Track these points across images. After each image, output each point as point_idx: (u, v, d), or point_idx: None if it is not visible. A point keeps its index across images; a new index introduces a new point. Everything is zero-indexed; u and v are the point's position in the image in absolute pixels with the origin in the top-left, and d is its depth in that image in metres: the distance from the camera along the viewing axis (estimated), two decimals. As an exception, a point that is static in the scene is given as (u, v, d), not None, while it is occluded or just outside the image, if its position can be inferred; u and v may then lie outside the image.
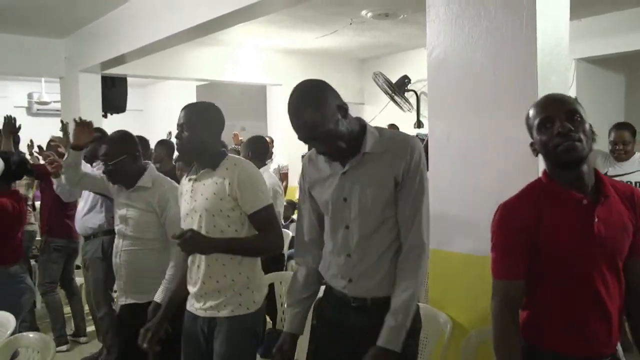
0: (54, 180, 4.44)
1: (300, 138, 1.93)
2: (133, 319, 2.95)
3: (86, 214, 4.40)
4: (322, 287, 2.23)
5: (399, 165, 1.94)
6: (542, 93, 2.43)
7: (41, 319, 5.24)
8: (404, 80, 8.09)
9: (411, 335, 1.97)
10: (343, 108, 1.94)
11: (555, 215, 1.78)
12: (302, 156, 7.64)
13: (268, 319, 4.08)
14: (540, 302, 1.86)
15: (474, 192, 2.72)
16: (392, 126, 6.84)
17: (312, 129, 1.89)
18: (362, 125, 2.01)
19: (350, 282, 2.03)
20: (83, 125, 3.40)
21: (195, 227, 2.40)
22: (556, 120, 1.73)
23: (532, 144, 1.86)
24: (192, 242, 2.34)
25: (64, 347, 4.90)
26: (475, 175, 2.72)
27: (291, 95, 1.95)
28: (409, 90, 8.16)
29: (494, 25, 2.60)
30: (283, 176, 8.27)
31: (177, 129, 2.45)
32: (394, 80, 7.88)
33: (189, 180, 2.51)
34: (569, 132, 1.71)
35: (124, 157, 3.00)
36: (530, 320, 1.88)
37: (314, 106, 1.88)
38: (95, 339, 5.05)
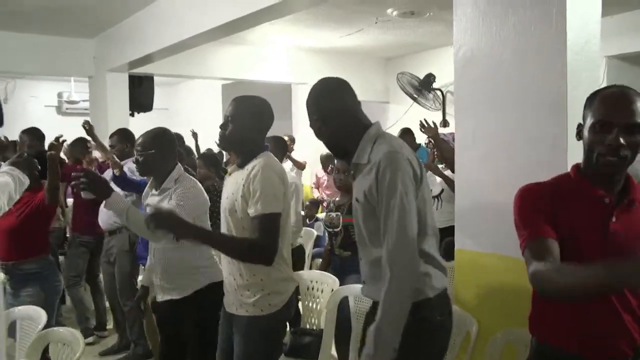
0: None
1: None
2: (171, 315, 3.00)
3: None
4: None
5: (369, 180, 1.96)
6: (571, 91, 2.40)
7: (64, 314, 5.35)
8: (429, 79, 8.06)
9: (420, 353, 1.95)
10: (346, 109, 2.08)
11: (575, 208, 1.73)
12: (321, 156, 7.64)
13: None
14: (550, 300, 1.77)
15: (500, 191, 2.69)
16: (407, 131, 6.71)
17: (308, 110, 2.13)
18: (364, 126, 2.07)
19: (364, 283, 2.13)
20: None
21: (224, 224, 2.44)
22: (613, 130, 1.63)
23: (579, 126, 1.76)
24: (161, 218, 2.27)
25: (90, 339, 4.99)
26: (501, 174, 2.69)
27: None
28: (434, 89, 8.12)
29: (522, 23, 2.57)
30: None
31: (223, 120, 2.47)
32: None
33: (229, 174, 2.54)
34: (618, 148, 1.63)
35: (153, 151, 3.01)
36: (539, 318, 1.84)
37: (313, 93, 2.13)
38: (114, 333, 5.11)
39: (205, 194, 3.03)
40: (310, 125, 2.14)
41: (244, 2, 4.64)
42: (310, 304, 3.68)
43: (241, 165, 2.44)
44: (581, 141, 1.77)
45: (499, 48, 2.67)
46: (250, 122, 2.43)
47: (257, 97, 2.54)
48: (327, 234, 4.05)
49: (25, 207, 3.60)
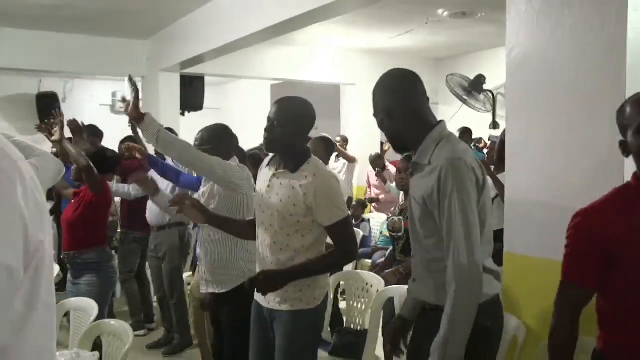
0: (110, 184, 4.68)
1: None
2: (216, 306, 3.09)
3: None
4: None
5: (428, 183, 1.93)
6: (630, 93, 2.32)
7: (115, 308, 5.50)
8: (480, 80, 7.93)
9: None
10: (409, 102, 2.06)
11: None
12: (370, 156, 7.61)
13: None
14: (619, 315, 1.74)
15: (552, 195, 2.64)
16: (466, 130, 6.67)
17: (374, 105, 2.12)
18: (429, 125, 2.04)
19: (414, 281, 2.12)
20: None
21: (267, 222, 2.47)
22: None
23: (622, 143, 1.72)
24: (266, 283, 2.35)
25: (141, 332, 5.14)
26: (554, 177, 2.63)
27: None
28: (485, 91, 7.99)
29: (579, 23, 2.50)
30: None
31: (268, 122, 2.46)
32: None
33: (269, 171, 2.53)
34: None
35: (209, 147, 3.07)
36: (605, 330, 1.79)
37: (379, 89, 2.12)
38: (161, 327, 5.24)
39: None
40: (374, 115, 2.11)
41: (294, 4, 4.68)
42: (356, 304, 3.68)
43: (293, 170, 2.43)
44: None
45: (554, 49, 2.61)
46: (297, 125, 2.44)
47: (300, 99, 2.55)
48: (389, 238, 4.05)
49: (82, 200, 3.79)
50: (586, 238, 1.74)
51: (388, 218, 6.26)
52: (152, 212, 4.65)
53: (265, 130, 2.46)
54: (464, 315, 1.84)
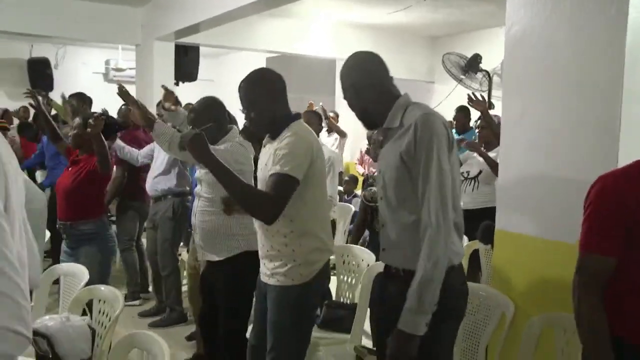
0: (120, 146, 4.67)
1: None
2: (209, 276, 3.10)
3: (157, 176, 4.57)
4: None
5: (404, 142, 1.98)
6: (628, 74, 2.32)
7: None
8: (476, 59, 7.89)
9: (443, 319, 1.96)
10: (374, 78, 2.14)
11: None
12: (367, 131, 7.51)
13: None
14: (633, 291, 1.70)
15: (546, 174, 2.64)
16: (463, 109, 6.64)
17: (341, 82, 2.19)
18: (395, 97, 2.11)
19: (384, 250, 2.15)
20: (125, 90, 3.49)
21: None
22: None
23: None
24: (192, 140, 2.32)
25: (136, 302, 5.20)
26: (549, 156, 2.63)
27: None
28: (481, 70, 7.95)
29: (580, 1, 2.48)
30: None
31: (245, 110, 2.48)
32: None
33: (263, 146, 2.57)
34: None
35: (211, 124, 3.01)
36: (617, 309, 1.72)
37: (346, 66, 2.20)
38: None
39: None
40: (344, 97, 2.21)
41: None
42: (346, 278, 3.69)
43: (274, 137, 2.47)
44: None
45: (553, 27, 2.59)
46: (269, 99, 2.45)
47: (260, 70, 2.58)
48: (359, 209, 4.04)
49: (82, 169, 3.68)
50: (610, 205, 1.69)
51: (365, 189, 6.29)
52: (150, 182, 4.65)
53: (245, 119, 2.52)
54: (438, 263, 1.90)
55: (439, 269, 1.90)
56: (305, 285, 2.44)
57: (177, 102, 3.50)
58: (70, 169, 3.79)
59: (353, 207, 6.14)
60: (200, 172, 3.15)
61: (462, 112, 6.51)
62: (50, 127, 4.26)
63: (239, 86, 2.49)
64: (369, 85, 2.13)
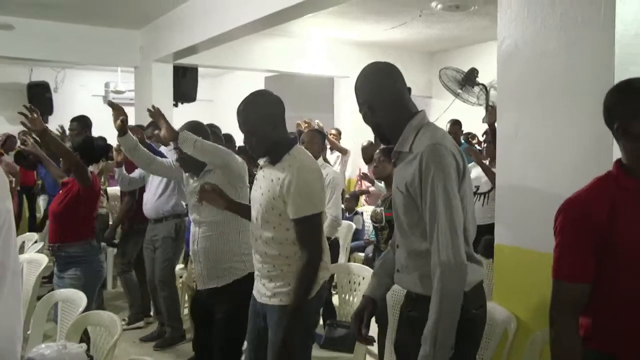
0: (115, 170, 4.67)
1: None
2: (210, 300, 3.05)
3: (159, 197, 4.58)
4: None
5: (409, 171, 1.93)
6: (619, 85, 2.32)
7: (108, 300, 5.50)
8: (473, 73, 7.92)
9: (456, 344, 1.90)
10: (390, 93, 2.05)
11: (632, 213, 1.65)
12: (362, 146, 7.52)
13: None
14: (607, 308, 1.71)
15: (543, 187, 2.63)
16: (456, 122, 6.69)
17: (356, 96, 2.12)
18: (409, 115, 2.04)
19: (398, 272, 2.10)
20: (115, 109, 3.49)
21: (254, 216, 2.49)
22: None
23: (623, 126, 1.67)
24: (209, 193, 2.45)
25: (140, 324, 5.16)
26: (545, 169, 2.63)
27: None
28: (478, 84, 7.98)
29: (569, 14, 2.50)
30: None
31: (243, 135, 2.49)
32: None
33: (260, 167, 2.55)
34: None
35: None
36: (594, 326, 1.74)
37: (361, 80, 2.10)
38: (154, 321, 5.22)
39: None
40: (359, 111, 2.12)
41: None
42: (347, 297, 3.67)
43: (274, 162, 2.45)
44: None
45: (544, 40, 2.60)
46: (269, 125, 2.44)
47: (259, 94, 2.54)
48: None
49: (68, 192, 3.70)
50: (577, 230, 1.69)
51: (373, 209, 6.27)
52: (150, 204, 4.65)
53: (244, 142, 2.51)
54: (451, 304, 1.84)
55: (454, 310, 1.83)
56: (307, 304, 2.44)
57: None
58: (60, 192, 3.82)
59: (354, 225, 6.12)
60: (195, 199, 3.14)
61: (456, 126, 6.58)
62: (41, 157, 4.29)
63: (238, 110, 2.47)
64: (383, 102, 2.05)
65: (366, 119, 2.12)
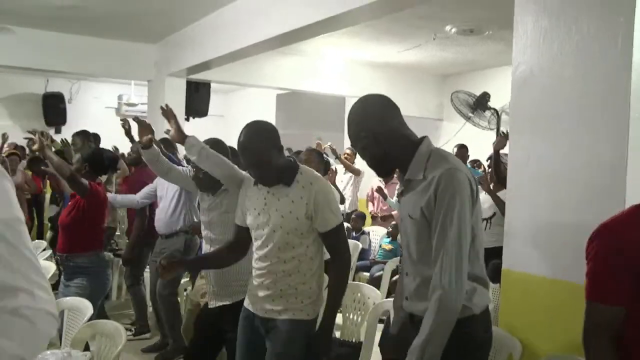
0: (112, 196, 4.75)
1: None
2: (221, 318, 3.04)
3: (172, 213, 4.61)
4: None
5: (425, 196, 1.92)
6: (634, 114, 2.32)
7: (111, 310, 5.50)
8: (485, 98, 7.94)
9: None
10: (384, 123, 2.04)
11: None
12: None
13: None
14: None
15: (554, 214, 2.62)
16: (463, 147, 6.72)
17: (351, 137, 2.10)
18: (414, 142, 2.04)
19: (407, 299, 2.09)
20: (142, 126, 3.45)
21: (268, 240, 2.48)
22: None
23: None
24: (325, 344, 2.49)
25: (147, 335, 5.17)
26: (557, 196, 2.62)
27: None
28: (489, 108, 8.00)
29: (586, 42, 2.50)
30: None
31: (251, 168, 2.50)
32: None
33: (259, 190, 2.54)
34: None
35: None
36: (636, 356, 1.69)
37: (355, 115, 2.09)
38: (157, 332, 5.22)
39: None
40: (353, 144, 2.11)
41: (301, 14, 4.69)
42: (351, 316, 3.65)
43: (288, 183, 2.47)
44: None
45: (560, 67, 2.60)
46: (273, 149, 2.45)
47: (257, 124, 2.53)
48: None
49: (76, 203, 3.78)
50: (612, 254, 1.66)
51: (388, 232, 6.25)
52: (162, 220, 4.67)
53: (255, 171, 2.50)
54: (445, 326, 1.87)
55: (445, 333, 1.86)
56: (315, 320, 2.53)
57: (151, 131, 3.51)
58: (69, 203, 3.92)
59: (360, 244, 6.12)
60: (210, 215, 3.16)
61: (463, 150, 6.62)
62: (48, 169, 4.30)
63: (242, 144, 2.45)
64: (390, 131, 2.03)
65: (366, 152, 2.08)
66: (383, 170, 2.20)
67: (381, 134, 2.02)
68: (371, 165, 2.14)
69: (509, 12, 2.89)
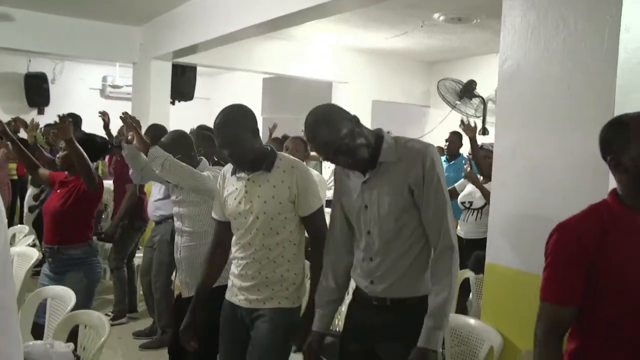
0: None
1: (324, 157, 2.15)
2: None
3: (157, 201, 4.59)
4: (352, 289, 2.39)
5: (412, 173, 2.07)
6: (619, 112, 2.33)
7: (96, 294, 5.49)
8: (471, 85, 7.95)
9: None
10: (354, 121, 2.11)
11: (623, 241, 1.69)
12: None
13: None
14: (595, 334, 1.75)
15: (537, 208, 2.65)
16: (455, 134, 6.71)
17: (331, 145, 2.07)
18: (378, 135, 2.16)
19: (372, 283, 2.18)
20: (130, 121, 3.38)
21: (252, 228, 2.46)
22: None
23: (615, 159, 1.73)
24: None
25: (123, 320, 5.20)
26: (540, 191, 2.64)
27: (306, 121, 2.14)
28: (476, 96, 8.01)
29: (573, 39, 2.51)
30: None
31: (225, 148, 2.45)
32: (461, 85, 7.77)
33: (239, 179, 2.52)
34: None
35: (178, 156, 3.11)
36: (581, 351, 1.77)
37: (328, 125, 2.07)
38: (146, 317, 5.24)
39: None
40: (326, 149, 2.10)
41: (291, 1, 4.65)
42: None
43: (269, 169, 2.46)
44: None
45: (546, 63, 2.61)
46: (248, 131, 2.43)
47: (234, 107, 2.52)
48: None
49: (72, 191, 3.57)
50: (566, 254, 1.73)
51: None
52: (152, 205, 4.68)
53: (229, 155, 2.48)
54: (455, 281, 2.11)
55: (455, 288, 2.09)
56: (299, 308, 2.54)
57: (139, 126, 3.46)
58: (58, 191, 3.66)
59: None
60: (180, 208, 3.17)
61: (456, 135, 6.63)
62: (23, 156, 4.02)
63: (217, 126, 2.44)
64: (360, 127, 2.12)
65: (342, 154, 2.09)
66: (364, 165, 2.17)
67: (356, 130, 2.10)
68: (353, 164, 2.14)
69: (497, 1, 2.89)
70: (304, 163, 3.88)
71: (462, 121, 5.01)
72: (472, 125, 5.00)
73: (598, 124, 2.39)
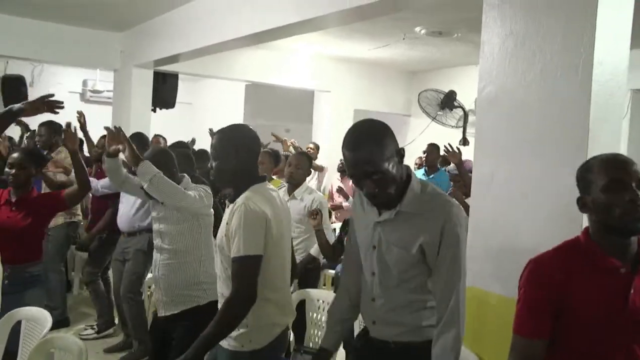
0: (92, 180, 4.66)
1: (353, 174, 1.92)
2: (169, 326, 3.05)
3: (136, 212, 4.55)
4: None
5: (427, 232, 1.92)
6: (592, 145, 2.39)
7: (76, 305, 5.44)
8: (452, 96, 8.03)
9: None
10: (400, 153, 1.94)
11: (588, 280, 1.74)
12: (339, 165, 7.46)
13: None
14: None
15: (513, 235, 2.69)
16: (433, 146, 6.76)
17: (369, 164, 1.86)
18: (407, 175, 1.99)
19: (374, 324, 2.10)
20: (114, 134, 3.30)
21: (216, 258, 2.41)
22: (629, 186, 1.67)
23: (581, 199, 1.79)
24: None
25: (110, 331, 5.16)
26: (517, 217, 2.68)
27: (350, 131, 1.94)
28: (456, 107, 8.09)
29: (549, 68, 2.56)
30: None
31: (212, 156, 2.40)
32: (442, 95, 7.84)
33: (228, 207, 2.47)
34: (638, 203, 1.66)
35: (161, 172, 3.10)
36: None
37: (374, 142, 1.87)
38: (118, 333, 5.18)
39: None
40: (375, 171, 1.87)
41: (277, 15, 4.64)
42: (318, 316, 3.65)
43: (232, 200, 2.33)
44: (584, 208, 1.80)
45: (524, 91, 2.66)
46: (233, 153, 2.31)
47: (241, 127, 2.47)
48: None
49: (33, 209, 3.45)
50: (537, 289, 1.78)
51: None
52: (125, 217, 4.62)
53: (209, 165, 2.42)
54: (459, 348, 1.98)
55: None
56: (254, 352, 2.29)
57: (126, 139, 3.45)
58: (14, 208, 3.45)
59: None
60: (160, 225, 3.16)
61: (434, 148, 6.66)
62: None
63: (218, 133, 2.42)
64: (399, 161, 1.94)
65: (377, 181, 1.88)
66: (388, 199, 1.97)
67: (397, 157, 1.93)
68: (383, 192, 1.92)
69: (477, 15, 2.92)
70: (303, 186, 3.89)
71: (445, 148, 5.02)
72: (456, 150, 4.99)
73: (572, 151, 2.46)
